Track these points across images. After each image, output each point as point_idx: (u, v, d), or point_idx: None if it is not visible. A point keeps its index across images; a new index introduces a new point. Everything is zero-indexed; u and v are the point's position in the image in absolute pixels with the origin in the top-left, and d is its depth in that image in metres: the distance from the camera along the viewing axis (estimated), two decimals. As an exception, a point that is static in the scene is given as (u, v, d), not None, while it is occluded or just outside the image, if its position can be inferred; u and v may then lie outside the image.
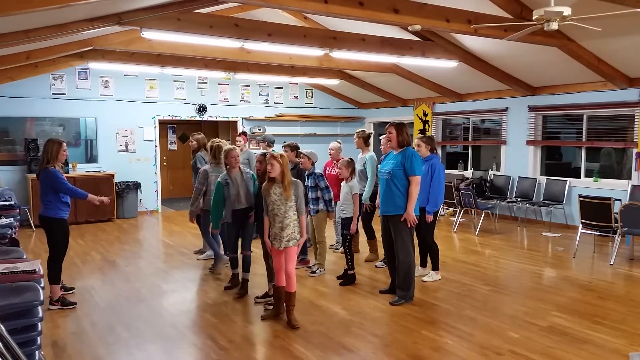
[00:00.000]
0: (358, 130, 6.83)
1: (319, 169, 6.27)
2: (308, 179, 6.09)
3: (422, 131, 11.85)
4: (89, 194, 5.06)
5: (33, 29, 5.87)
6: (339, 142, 7.15)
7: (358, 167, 6.66)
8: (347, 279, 5.85)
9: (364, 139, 6.70)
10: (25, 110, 9.78)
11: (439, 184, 5.72)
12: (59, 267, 5.09)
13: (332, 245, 7.43)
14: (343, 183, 5.95)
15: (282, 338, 4.34)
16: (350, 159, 6.00)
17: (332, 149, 7.05)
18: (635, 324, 4.60)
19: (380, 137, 6.15)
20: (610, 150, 9.22)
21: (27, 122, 9.86)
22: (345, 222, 5.89)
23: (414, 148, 5.34)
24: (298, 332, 4.43)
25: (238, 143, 7.69)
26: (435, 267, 5.98)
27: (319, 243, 6.25)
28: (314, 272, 6.23)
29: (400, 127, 5.12)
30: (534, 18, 5.03)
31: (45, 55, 7.93)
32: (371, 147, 6.87)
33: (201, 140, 7.38)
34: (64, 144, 5.10)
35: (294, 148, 6.57)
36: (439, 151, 11.32)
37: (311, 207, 6.12)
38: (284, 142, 7.16)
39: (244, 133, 8.45)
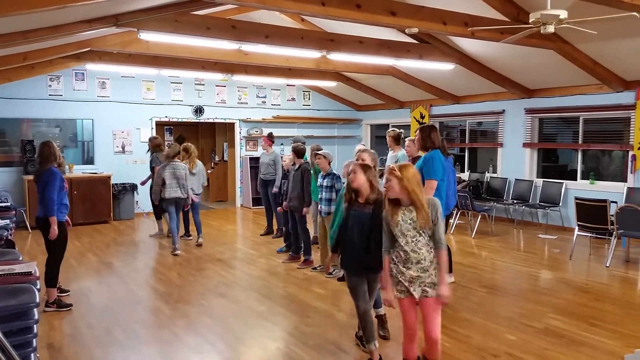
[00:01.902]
0: (389, 130, 6.94)
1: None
2: (324, 179, 6.15)
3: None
4: (54, 220, 4.88)
5: (30, 30, 5.86)
6: (363, 144, 7.33)
7: (390, 164, 6.71)
8: None
9: (394, 138, 6.82)
10: (21, 111, 9.75)
11: (448, 187, 5.72)
12: (56, 270, 5.07)
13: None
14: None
15: (278, 340, 4.33)
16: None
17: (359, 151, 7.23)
18: (631, 326, 4.61)
19: (406, 139, 6.31)
20: (596, 152, 9.32)
21: (23, 124, 9.83)
22: None
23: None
24: (294, 334, 4.43)
25: (263, 145, 8.82)
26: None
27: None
28: (330, 273, 6.22)
29: (425, 130, 5.07)
30: (530, 21, 5.05)
31: (42, 57, 7.91)
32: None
33: (155, 142, 8.78)
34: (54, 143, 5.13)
35: (301, 153, 6.75)
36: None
37: (323, 208, 6.17)
38: (281, 143, 7.28)
39: (269, 136, 8.85)
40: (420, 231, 3.14)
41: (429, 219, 3.12)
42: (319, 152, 6.32)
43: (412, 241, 3.15)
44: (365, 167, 3.67)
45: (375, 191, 3.62)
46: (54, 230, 4.91)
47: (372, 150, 5.02)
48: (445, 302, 3.15)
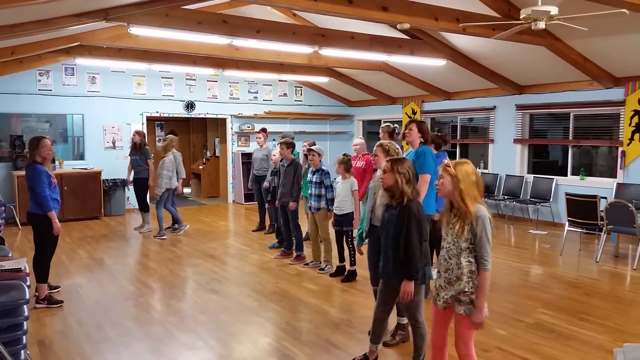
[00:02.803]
0: (383, 125, 6.90)
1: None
2: (314, 175, 6.17)
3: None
4: (53, 215, 4.87)
5: (18, 24, 5.80)
6: (361, 138, 7.31)
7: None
8: (348, 275, 5.88)
9: (389, 133, 6.78)
10: (10, 106, 9.65)
11: None
12: (46, 266, 5.04)
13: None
14: (339, 179, 5.93)
15: (270, 336, 4.34)
16: (346, 155, 6.03)
17: (356, 145, 7.23)
18: (619, 320, 4.66)
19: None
20: (585, 149, 9.41)
21: (12, 119, 9.73)
22: (343, 219, 5.87)
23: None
24: (286, 329, 4.43)
25: (258, 140, 8.68)
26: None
27: (324, 241, 6.27)
28: (322, 269, 6.25)
29: (421, 124, 5.04)
30: (521, 17, 5.07)
31: (31, 51, 7.84)
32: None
33: (143, 136, 8.99)
34: (43, 139, 5.02)
35: (290, 145, 6.61)
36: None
37: (313, 203, 6.21)
38: (273, 139, 7.25)
39: (264, 130, 8.83)
40: (457, 239, 2.85)
41: (464, 228, 2.81)
42: (312, 148, 6.33)
43: (446, 247, 2.91)
44: (394, 163, 3.38)
45: (402, 192, 3.31)
46: (56, 224, 4.90)
47: (388, 142, 4.45)
48: (477, 329, 2.89)
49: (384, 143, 4.24)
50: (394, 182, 3.34)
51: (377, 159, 4.15)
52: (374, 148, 4.30)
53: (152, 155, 8.86)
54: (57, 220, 4.93)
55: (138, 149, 8.78)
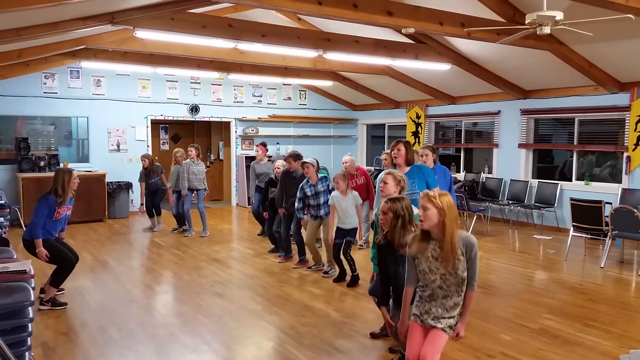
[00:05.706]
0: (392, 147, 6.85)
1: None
2: (318, 185, 6.29)
3: (415, 134, 11.90)
4: (40, 242, 4.92)
5: (25, 27, 5.84)
6: (349, 155, 7.32)
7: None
8: (353, 279, 5.90)
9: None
10: (16, 108, 9.70)
11: (451, 190, 5.91)
12: (65, 276, 5.16)
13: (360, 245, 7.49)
14: (338, 194, 5.89)
15: (273, 339, 4.33)
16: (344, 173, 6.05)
17: (346, 162, 7.21)
18: (625, 326, 4.63)
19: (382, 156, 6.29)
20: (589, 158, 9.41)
21: (17, 121, 9.77)
22: (347, 232, 5.91)
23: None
24: (289, 333, 4.42)
25: (257, 153, 8.53)
26: None
27: (327, 245, 6.26)
28: (327, 272, 6.26)
29: (408, 144, 5.01)
30: (526, 22, 5.06)
31: (37, 54, 7.88)
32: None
33: (151, 159, 9.29)
34: (74, 172, 5.22)
35: (297, 157, 6.61)
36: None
37: (312, 212, 6.30)
38: (277, 142, 7.21)
39: (263, 144, 8.70)
40: (453, 270, 2.90)
41: (454, 260, 2.87)
42: (306, 160, 6.32)
43: (440, 276, 2.95)
44: (394, 202, 3.35)
45: (407, 233, 3.26)
46: (41, 251, 4.92)
47: (400, 173, 4.18)
48: (457, 339, 3.05)
49: (395, 173, 4.08)
50: (390, 224, 3.34)
51: (387, 187, 3.98)
52: (384, 175, 4.10)
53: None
54: (41, 248, 4.93)
55: (153, 172, 9.09)
